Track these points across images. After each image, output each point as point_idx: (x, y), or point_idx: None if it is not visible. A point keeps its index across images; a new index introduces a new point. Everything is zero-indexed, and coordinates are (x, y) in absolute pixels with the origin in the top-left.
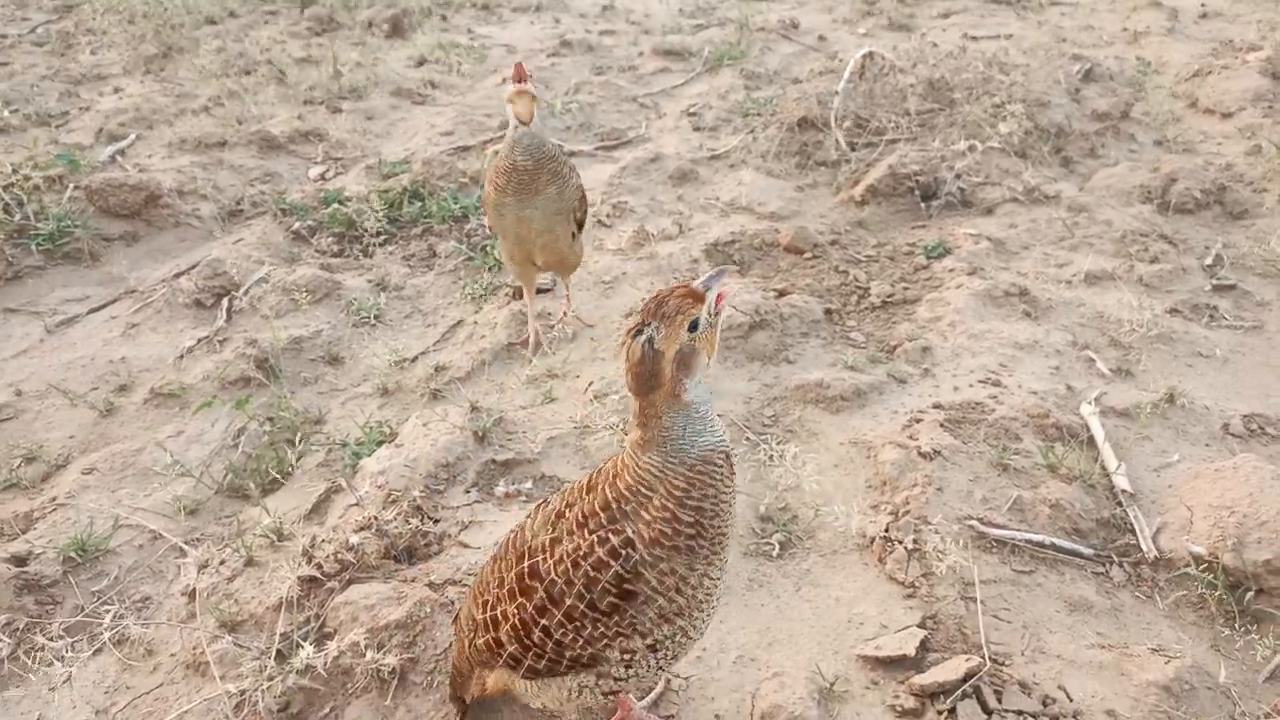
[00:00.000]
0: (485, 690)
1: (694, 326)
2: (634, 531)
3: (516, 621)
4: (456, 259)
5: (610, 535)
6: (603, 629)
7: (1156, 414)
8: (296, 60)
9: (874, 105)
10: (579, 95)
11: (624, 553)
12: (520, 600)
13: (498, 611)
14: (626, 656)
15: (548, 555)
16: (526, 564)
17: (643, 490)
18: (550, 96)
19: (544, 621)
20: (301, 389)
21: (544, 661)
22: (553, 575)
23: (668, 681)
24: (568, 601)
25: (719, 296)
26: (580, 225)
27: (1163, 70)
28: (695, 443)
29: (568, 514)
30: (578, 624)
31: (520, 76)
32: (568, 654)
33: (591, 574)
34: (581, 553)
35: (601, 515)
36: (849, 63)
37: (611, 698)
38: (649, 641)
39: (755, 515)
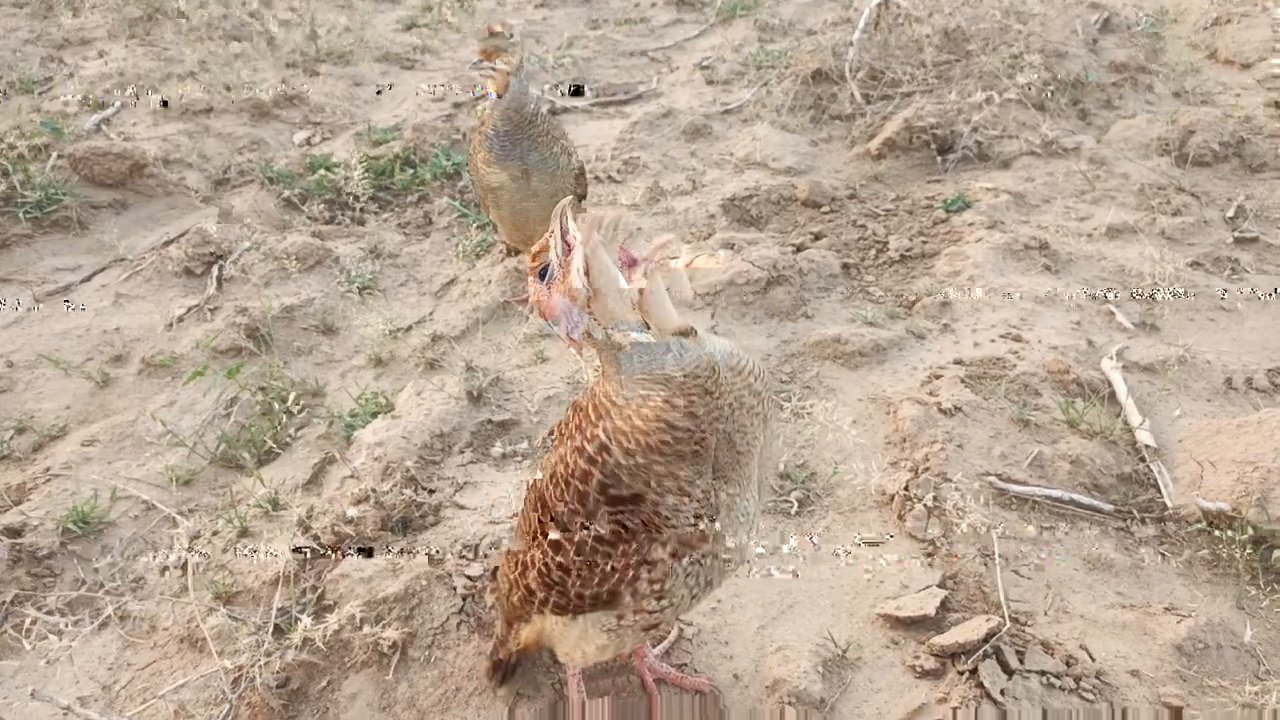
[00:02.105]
0: (521, 645)
1: (542, 275)
2: (608, 432)
3: (541, 565)
4: (450, 216)
5: (585, 442)
6: (609, 549)
7: (1180, 369)
8: (283, 23)
9: (889, 57)
10: (571, 50)
11: (600, 458)
12: (539, 538)
13: (527, 557)
14: (654, 580)
15: (549, 483)
16: (536, 497)
17: (613, 401)
18: (542, 51)
19: (559, 558)
20: (295, 359)
21: (571, 593)
22: (554, 501)
23: (681, 630)
24: (565, 514)
25: (569, 247)
26: (581, 199)
27: (1181, 19)
28: (650, 368)
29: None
30: (591, 548)
31: (485, 55)
32: (594, 586)
33: (580, 488)
34: (568, 469)
35: (577, 426)
36: (864, 12)
37: (651, 634)
38: (670, 549)
39: (774, 473)
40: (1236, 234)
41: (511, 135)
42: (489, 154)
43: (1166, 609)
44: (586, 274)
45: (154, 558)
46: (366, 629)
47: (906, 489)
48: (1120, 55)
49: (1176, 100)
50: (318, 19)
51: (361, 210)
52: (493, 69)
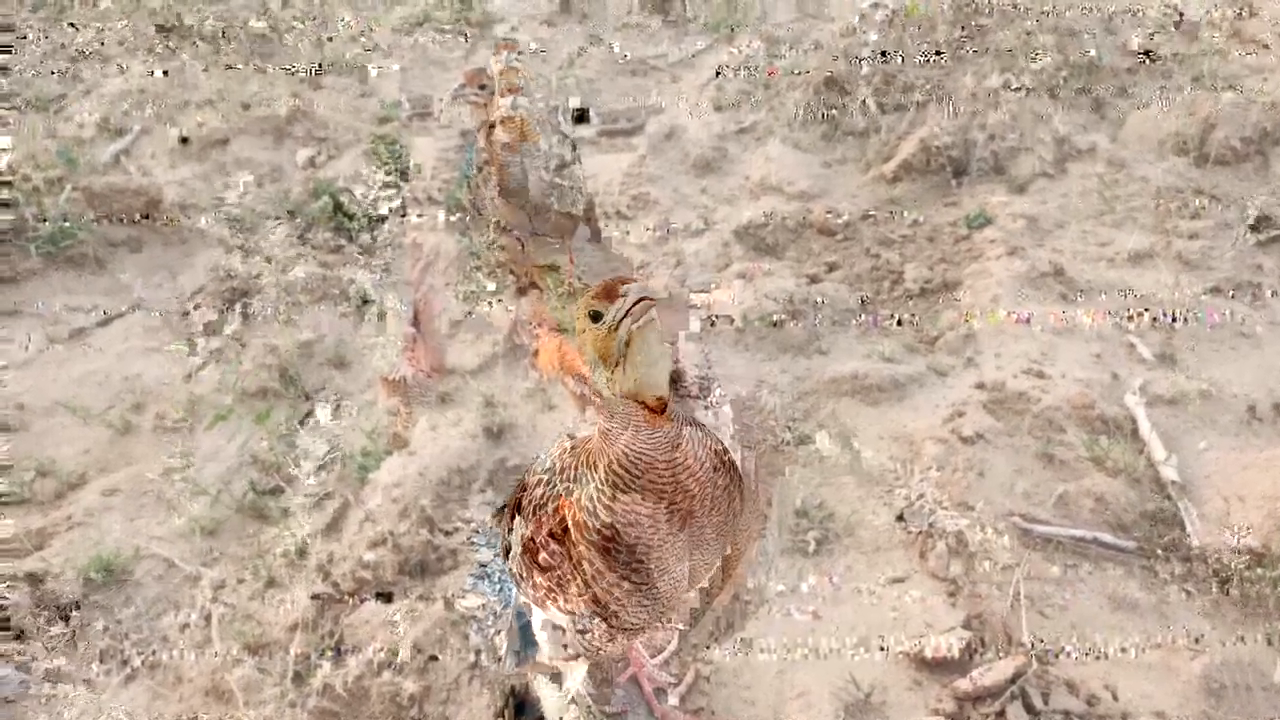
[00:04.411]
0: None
1: (595, 318)
2: (573, 501)
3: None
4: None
5: (554, 503)
6: (541, 578)
7: (1205, 401)
8: (296, 29)
9: (903, 47)
10: (574, 69)
11: (550, 526)
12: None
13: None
14: (569, 609)
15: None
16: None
17: (589, 471)
18: (547, 71)
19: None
20: (312, 395)
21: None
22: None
23: (697, 670)
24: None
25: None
26: (597, 237)
27: None
28: (643, 453)
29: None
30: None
31: (469, 79)
32: (535, 581)
33: (542, 523)
34: (539, 503)
35: (560, 476)
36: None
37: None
38: (573, 610)
39: (790, 510)
40: (1259, 238)
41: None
42: (507, 204)
43: (1192, 648)
44: (627, 344)
45: (176, 616)
46: (385, 675)
47: (929, 528)
48: (1136, 36)
49: (1196, 85)
50: (334, 25)
51: (373, 234)
52: (475, 94)
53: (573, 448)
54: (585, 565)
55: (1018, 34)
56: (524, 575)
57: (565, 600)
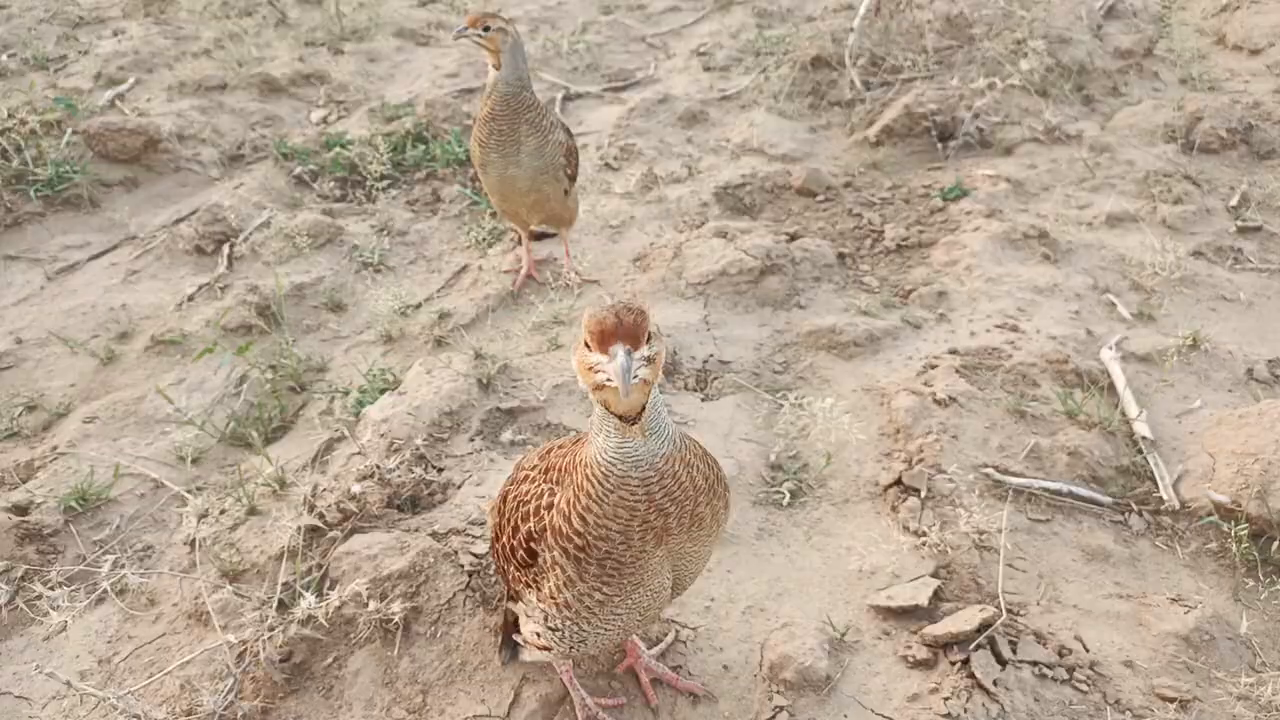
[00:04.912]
0: (506, 620)
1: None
2: (552, 506)
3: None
4: (461, 203)
5: (537, 502)
6: (518, 573)
7: (1180, 360)
8: (298, 1)
9: (890, 43)
10: (585, 35)
11: (528, 527)
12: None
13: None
14: (542, 608)
15: (514, 486)
16: (507, 489)
17: (570, 477)
18: (557, 36)
19: (496, 546)
20: (304, 336)
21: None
22: (507, 508)
23: (676, 632)
24: (503, 538)
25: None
26: (572, 180)
27: (1189, 5)
28: (614, 462)
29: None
30: (507, 558)
31: (473, 22)
32: (511, 583)
33: (519, 525)
34: (522, 500)
35: (544, 476)
36: None
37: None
38: (545, 609)
39: (765, 463)
40: (1240, 222)
41: (510, 120)
42: (486, 137)
43: (1172, 600)
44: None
45: (162, 535)
46: (372, 604)
47: (900, 480)
48: (1126, 41)
49: (1183, 87)
50: None
51: (372, 187)
52: (479, 35)
53: (560, 446)
54: (558, 570)
55: (1007, 44)
56: (504, 567)
57: (539, 599)
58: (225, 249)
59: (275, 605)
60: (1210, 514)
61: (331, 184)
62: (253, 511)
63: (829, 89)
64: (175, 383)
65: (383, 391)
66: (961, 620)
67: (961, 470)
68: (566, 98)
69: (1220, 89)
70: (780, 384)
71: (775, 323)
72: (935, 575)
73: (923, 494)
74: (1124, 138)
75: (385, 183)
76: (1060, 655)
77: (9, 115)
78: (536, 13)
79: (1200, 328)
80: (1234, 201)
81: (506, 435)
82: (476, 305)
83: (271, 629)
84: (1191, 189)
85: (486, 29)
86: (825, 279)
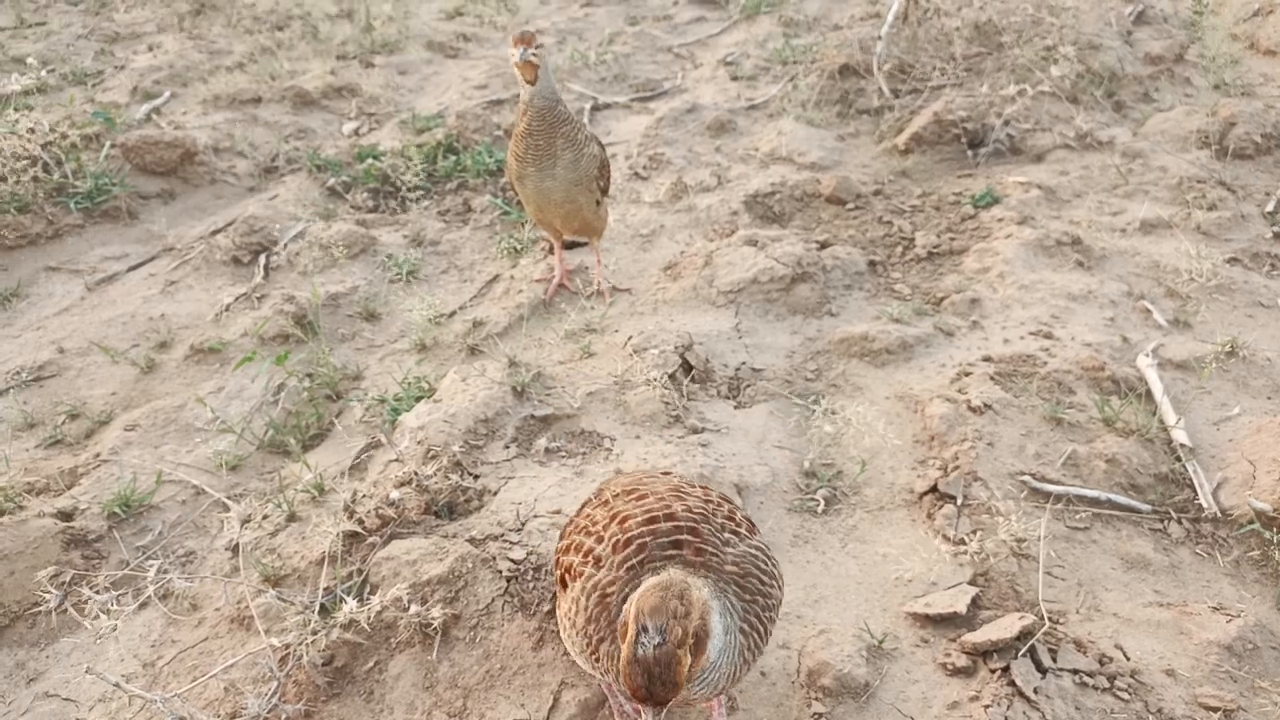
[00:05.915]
0: None
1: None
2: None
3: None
4: (492, 213)
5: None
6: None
7: (1217, 367)
8: (329, 15)
9: (918, 50)
10: (613, 46)
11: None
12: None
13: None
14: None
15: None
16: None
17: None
18: (584, 48)
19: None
20: (339, 345)
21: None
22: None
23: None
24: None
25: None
26: (604, 191)
27: (1220, 10)
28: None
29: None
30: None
31: (523, 41)
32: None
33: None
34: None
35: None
36: (892, 6)
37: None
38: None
39: (799, 470)
40: (1276, 228)
41: (547, 135)
42: (524, 152)
43: (1214, 608)
44: None
45: (204, 540)
46: (413, 609)
47: (935, 487)
48: (1156, 47)
49: (1215, 92)
50: (372, 10)
51: (404, 198)
52: (534, 53)
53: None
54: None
55: (1037, 50)
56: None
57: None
58: (262, 259)
59: (317, 609)
60: (1251, 521)
61: (364, 195)
62: (293, 517)
63: (857, 97)
64: (214, 391)
65: (418, 399)
66: (1002, 628)
67: (998, 478)
68: (595, 108)
69: (1253, 94)
70: (813, 391)
71: (807, 330)
72: (973, 583)
73: (959, 501)
74: (1156, 144)
75: (418, 193)
76: (1101, 663)
77: (50, 129)
78: (564, 24)
79: (1238, 334)
80: (1269, 207)
81: (541, 442)
82: (509, 314)
83: (314, 633)
84: (1226, 195)
85: (540, 46)
86: (856, 286)
